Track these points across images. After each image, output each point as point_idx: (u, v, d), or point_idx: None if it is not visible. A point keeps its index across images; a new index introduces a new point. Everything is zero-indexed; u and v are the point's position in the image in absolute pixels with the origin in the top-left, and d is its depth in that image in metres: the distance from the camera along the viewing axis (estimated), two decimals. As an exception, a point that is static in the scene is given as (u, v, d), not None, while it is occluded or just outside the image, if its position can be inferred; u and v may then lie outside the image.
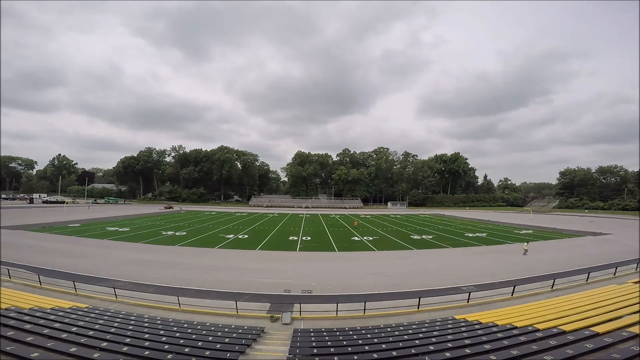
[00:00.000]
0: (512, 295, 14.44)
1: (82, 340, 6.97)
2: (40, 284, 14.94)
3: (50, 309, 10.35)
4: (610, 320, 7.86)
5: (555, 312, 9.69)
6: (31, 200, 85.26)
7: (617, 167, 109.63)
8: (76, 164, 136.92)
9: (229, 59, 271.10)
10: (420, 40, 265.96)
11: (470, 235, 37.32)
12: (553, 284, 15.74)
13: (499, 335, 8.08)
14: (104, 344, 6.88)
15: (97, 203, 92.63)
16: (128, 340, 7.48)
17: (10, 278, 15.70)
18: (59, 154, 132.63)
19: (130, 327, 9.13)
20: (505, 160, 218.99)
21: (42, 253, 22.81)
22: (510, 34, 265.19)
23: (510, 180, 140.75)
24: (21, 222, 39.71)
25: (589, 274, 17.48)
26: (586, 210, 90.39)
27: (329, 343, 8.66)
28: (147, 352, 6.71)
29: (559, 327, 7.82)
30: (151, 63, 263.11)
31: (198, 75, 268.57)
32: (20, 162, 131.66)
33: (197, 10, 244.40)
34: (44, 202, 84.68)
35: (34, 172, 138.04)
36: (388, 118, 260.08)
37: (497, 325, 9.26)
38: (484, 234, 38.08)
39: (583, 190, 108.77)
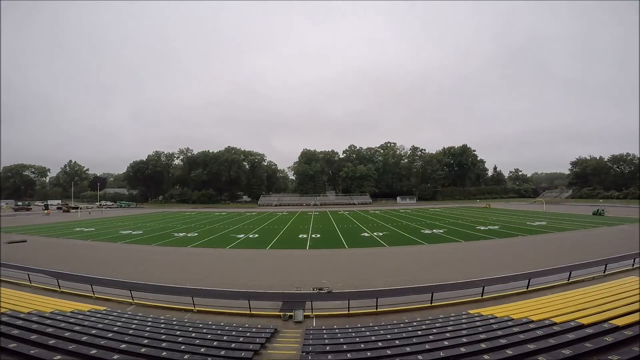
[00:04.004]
0: (527, 288, 14.22)
1: (102, 342, 7.15)
2: (60, 288, 15.36)
3: (70, 312, 10.63)
4: (631, 312, 7.66)
5: (573, 305, 9.50)
6: (46, 207, 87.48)
7: (629, 155, 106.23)
8: (87, 169, 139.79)
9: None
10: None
11: (482, 228, 36.86)
12: (569, 276, 15.43)
13: (515, 329, 7.96)
14: (123, 345, 7.03)
15: (110, 207, 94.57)
16: (146, 341, 7.63)
17: (30, 283, 16.20)
18: (70, 160, 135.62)
19: (148, 329, 9.33)
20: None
21: (59, 258, 23.44)
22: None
23: (521, 171, 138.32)
24: (38, 227, 40.84)
25: (606, 265, 17.07)
26: (600, 200, 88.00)
27: (341, 340, 8.68)
28: (164, 353, 6.84)
29: (577, 320, 7.66)
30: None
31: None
32: (33, 169, 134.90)
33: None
34: (57, 208, 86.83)
35: (47, 179, 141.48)
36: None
37: (513, 319, 9.13)
38: (497, 227, 37.55)
39: (596, 180, 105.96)
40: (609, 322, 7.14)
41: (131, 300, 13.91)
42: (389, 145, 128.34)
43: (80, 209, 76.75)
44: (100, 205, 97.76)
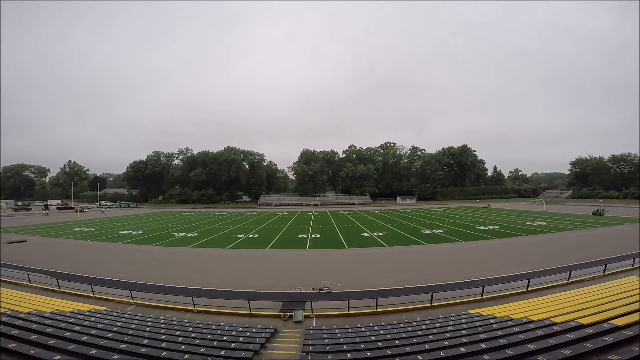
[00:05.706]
0: (527, 288, 14.23)
1: (102, 342, 7.14)
2: (59, 288, 15.35)
3: (70, 312, 10.62)
4: (630, 312, 7.66)
5: (573, 305, 9.50)
6: (45, 207, 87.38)
7: (630, 155, 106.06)
8: (87, 170, 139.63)
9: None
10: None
11: (482, 228, 36.86)
12: (569, 276, 15.44)
13: (515, 329, 7.97)
14: (123, 345, 7.03)
15: (110, 207, 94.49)
16: (146, 341, 7.63)
17: (30, 283, 16.19)
18: (70, 161, 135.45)
19: (147, 329, 9.32)
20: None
21: (59, 258, 23.43)
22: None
23: (521, 171, 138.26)
24: (38, 227, 40.81)
25: (605, 265, 17.09)
26: (600, 200, 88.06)
27: (341, 340, 8.67)
28: (164, 353, 6.83)
29: (577, 320, 7.67)
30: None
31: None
32: (33, 169, 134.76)
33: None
34: (57, 208, 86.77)
35: (47, 179, 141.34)
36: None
37: (513, 319, 9.14)
38: (496, 227, 37.55)
39: (596, 180, 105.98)
40: (609, 322, 7.15)
41: (131, 300, 13.91)
42: (388, 145, 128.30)
43: (81, 209, 76.72)
44: (100, 205, 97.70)
